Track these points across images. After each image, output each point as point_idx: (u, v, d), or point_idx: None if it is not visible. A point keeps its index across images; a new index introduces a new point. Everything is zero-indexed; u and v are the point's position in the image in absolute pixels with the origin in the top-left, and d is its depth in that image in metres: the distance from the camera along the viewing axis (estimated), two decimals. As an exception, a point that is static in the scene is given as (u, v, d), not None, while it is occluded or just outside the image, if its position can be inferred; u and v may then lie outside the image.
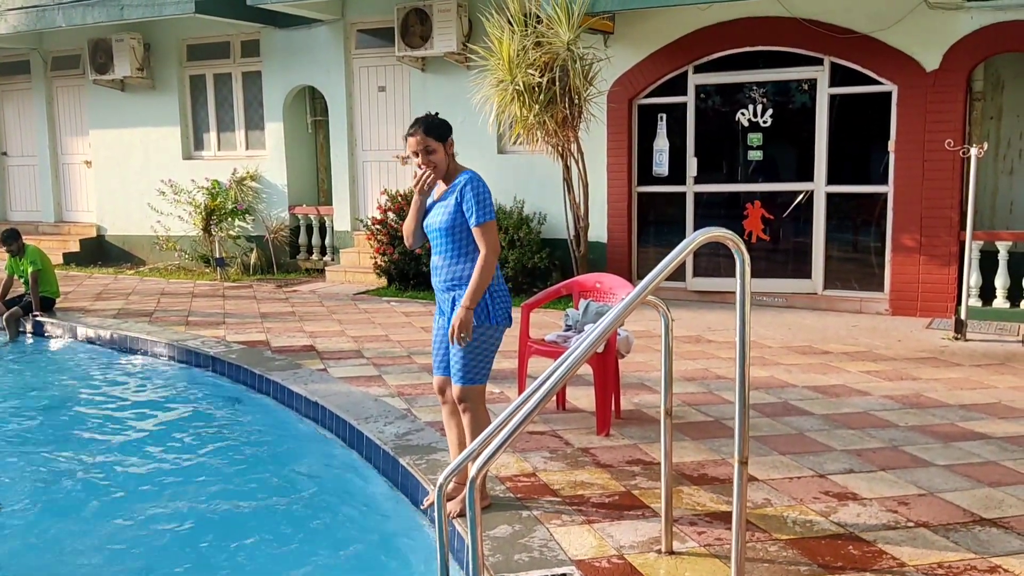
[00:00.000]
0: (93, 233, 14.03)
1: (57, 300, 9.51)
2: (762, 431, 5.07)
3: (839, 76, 8.93)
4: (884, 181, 8.85)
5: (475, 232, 3.80)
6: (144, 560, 4.13)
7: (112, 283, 11.71)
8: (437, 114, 3.95)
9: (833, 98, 9.00)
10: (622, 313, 2.76)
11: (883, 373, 6.47)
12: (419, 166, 3.88)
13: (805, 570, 3.35)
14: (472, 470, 2.70)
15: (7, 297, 9.31)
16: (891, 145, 8.75)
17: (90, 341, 8.55)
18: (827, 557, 3.45)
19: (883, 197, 8.88)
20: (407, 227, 4.08)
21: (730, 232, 2.68)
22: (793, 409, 5.54)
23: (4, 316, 8.99)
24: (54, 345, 8.79)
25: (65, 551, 4.26)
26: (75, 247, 13.74)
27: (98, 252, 13.88)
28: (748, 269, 2.68)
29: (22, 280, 9.23)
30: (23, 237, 9.40)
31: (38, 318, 9.09)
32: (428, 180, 3.87)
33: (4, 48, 14.16)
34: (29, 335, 9.11)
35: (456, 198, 3.84)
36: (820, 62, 8.98)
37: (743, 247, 2.68)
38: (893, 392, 5.93)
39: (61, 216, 14.67)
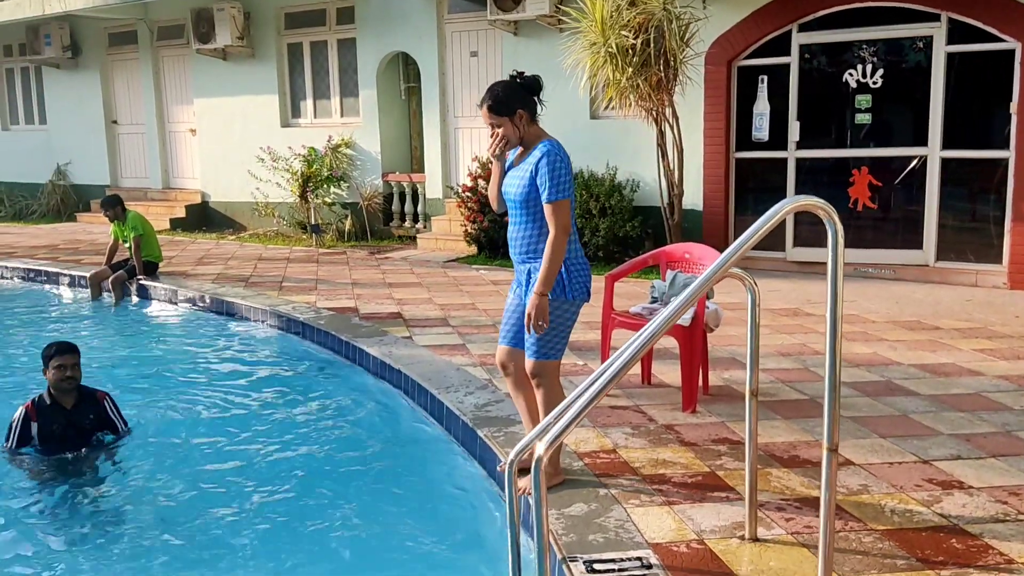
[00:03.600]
0: (198, 199, 14.46)
1: (160, 264, 9.81)
2: (862, 412, 4.78)
3: (957, 33, 8.32)
4: (1005, 146, 8.23)
5: (545, 209, 3.63)
6: (231, 507, 4.22)
7: (214, 248, 12.03)
8: (520, 75, 3.78)
9: (950, 57, 8.40)
10: (703, 285, 2.56)
11: (998, 352, 6.03)
12: (491, 134, 3.75)
13: (902, 563, 3.10)
14: (539, 449, 2.57)
15: (113, 262, 9.66)
16: (1013, 107, 8.11)
17: (189, 304, 8.79)
18: (927, 551, 3.19)
19: (1004, 163, 8.26)
20: (491, 191, 3.96)
21: (821, 200, 2.45)
22: (897, 389, 5.20)
23: (110, 280, 9.33)
24: (156, 308, 9.08)
25: (166, 496, 4.38)
26: (181, 213, 14.19)
27: (202, 218, 14.30)
28: (841, 240, 2.45)
29: (127, 245, 9.55)
30: (131, 203, 9.70)
31: (142, 282, 9.40)
32: (500, 144, 3.73)
33: (112, 19, 14.64)
34: (134, 298, 9.42)
35: (531, 170, 3.67)
36: (936, 18, 8.38)
37: (835, 216, 2.45)
38: (1009, 372, 5.51)
39: (168, 183, 15.16)
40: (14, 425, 4.83)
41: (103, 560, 3.85)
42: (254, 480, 4.65)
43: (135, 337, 8.03)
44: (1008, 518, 3.44)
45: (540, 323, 3.63)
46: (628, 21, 8.29)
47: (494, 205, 3.99)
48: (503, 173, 3.88)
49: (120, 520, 4.27)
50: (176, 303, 8.97)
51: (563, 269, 3.70)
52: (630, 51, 8.30)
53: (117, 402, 5.14)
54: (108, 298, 9.38)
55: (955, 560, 3.12)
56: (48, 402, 4.89)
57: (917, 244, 8.81)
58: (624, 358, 2.48)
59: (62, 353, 4.86)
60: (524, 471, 3.81)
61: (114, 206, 9.46)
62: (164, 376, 6.57)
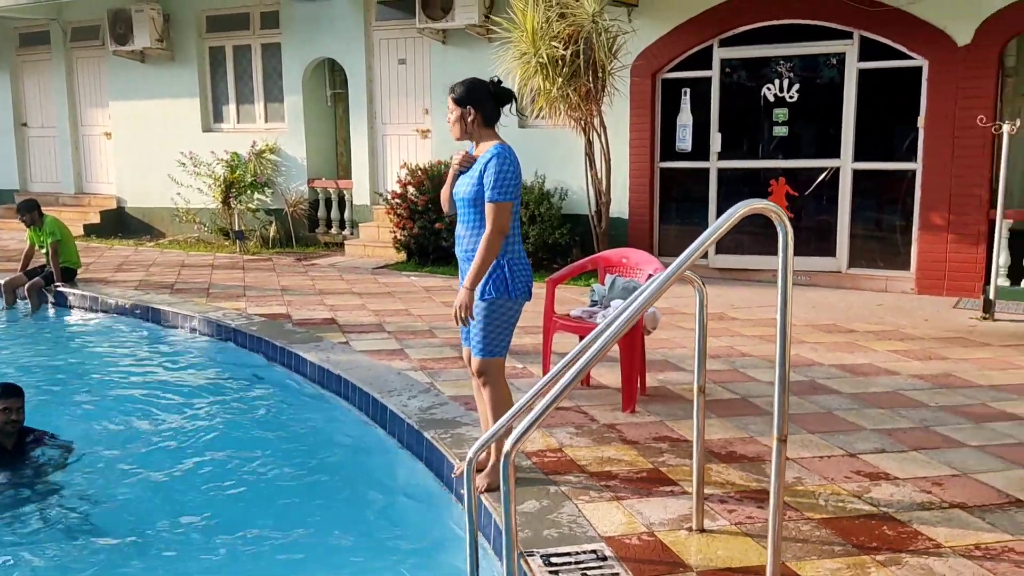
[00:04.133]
0: (113, 205, 14.05)
1: (78, 271, 9.52)
2: (790, 409, 4.98)
3: (868, 50, 8.77)
4: (912, 158, 8.70)
5: (487, 207, 3.74)
6: (159, 522, 4.15)
7: (132, 255, 11.73)
8: (498, 83, 3.89)
9: (862, 73, 8.84)
10: (659, 288, 2.69)
11: (911, 352, 6.39)
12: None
13: (839, 550, 3.30)
14: (506, 446, 2.65)
15: (28, 268, 9.33)
16: (920, 121, 8.59)
17: (111, 312, 8.56)
18: (861, 537, 3.39)
19: (911, 174, 8.74)
20: (443, 194, 4.08)
21: (773, 204, 2.61)
22: (821, 388, 5.47)
23: (26, 286, 9.02)
24: (76, 315, 8.81)
25: (86, 512, 4.28)
26: (95, 219, 13.77)
27: (118, 224, 13.91)
28: (791, 242, 2.61)
29: (43, 251, 9.24)
30: (43, 209, 9.40)
31: (60, 289, 9.11)
32: (460, 163, 3.89)
33: (24, 19, 14.14)
34: (51, 305, 9.13)
35: (480, 170, 3.78)
36: (849, 36, 8.81)
37: (786, 220, 2.61)
38: (922, 372, 5.85)
39: (81, 188, 14.69)
40: None
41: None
42: (192, 490, 4.59)
43: (55, 345, 7.78)
44: (933, 506, 3.68)
45: (464, 315, 3.74)
46: (558, 32, 8.46)
47: (444, 206, 4.09)
48: (454, 177, 3.97)
49: (51, 533, 4.17)
50: (97, 310, 8.72)
51: (506, 269, 3.81)
52: (560, 62, 8.47)
53: (46, 423, 5.03)
54: (24, 306, 9.06)
55: (888, 546, 3.33)
56: None
57: (831, 252, 9.22)
58: (587, 357, 2.58)
59: (6, 396, 4.69)
60: (477, 471, 3.91)
61: (30, 211, 9.15)
62: (89, 385, 6.41)
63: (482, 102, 3.84)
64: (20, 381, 5.82)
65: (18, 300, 9.13)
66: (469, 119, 3.85)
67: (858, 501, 3.74)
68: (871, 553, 3.27)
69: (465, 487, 3.19)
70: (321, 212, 12.47)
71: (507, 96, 3.92)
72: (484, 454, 3.91)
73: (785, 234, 2.59)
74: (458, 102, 3.85)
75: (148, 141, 13.45)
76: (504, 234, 3.75)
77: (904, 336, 6.93)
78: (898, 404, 5.13)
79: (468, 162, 3.89)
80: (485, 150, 3.83)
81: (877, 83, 8.83)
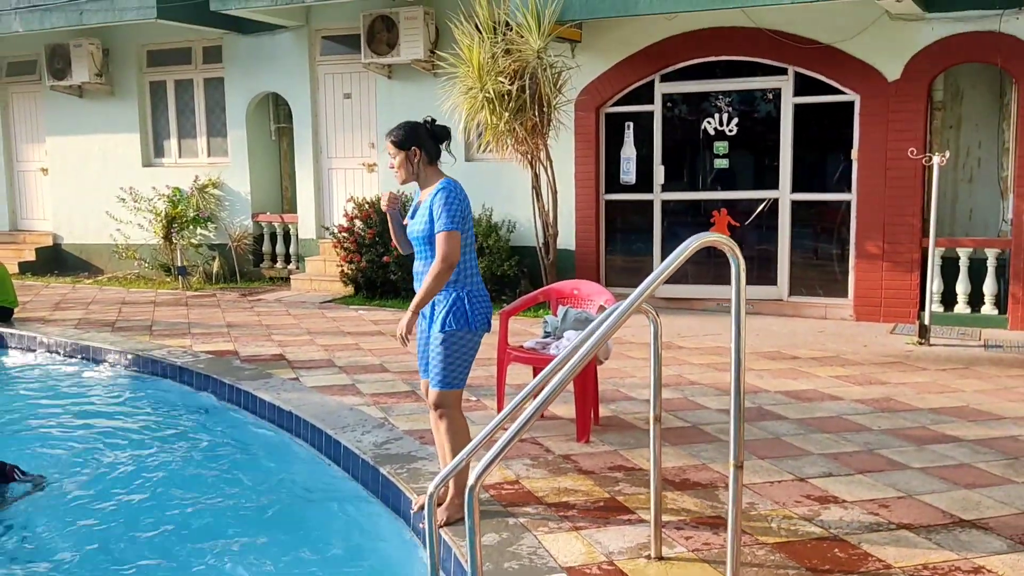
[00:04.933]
0: (49, 242, 13.73)
1: (15, 310, 9.27)
2: (740, 436, 5.11)
3: (803, 86, 9.08)
4: (847, 189, 9.01)
5: (436, 238, 3.80)
6: (111, 563, 4.04)
7: (70, 292, 11.46)
8: (432, 122, 3.97)
9: (797, 107, 9.15)
10: (619, 320, 2.76)
11: (852, 378, 6.57)
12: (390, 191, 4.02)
13: (794, 573, 3.37)
14: (471, 479, 2.67)
15: (-38, 307, 9.06)
16: (854, 153, 8.91)
17: (51, 351, 8.35)
18: (814, 560, 3.48)
19: (847, 204, 9.03)
20: (394, 238, 4.20)
21: (725, 237, 2.70)
22: (768, 414, 5.59)
23: (-40, 327, 8.75)
24: (13, 356, 8.56)
25: (32, 560, 4.15)
26: (31, 256, 13.43)
27: (55, 261, 13.58)
28: (743, 274, 2.70)
29: (-22, 290, 8.98)
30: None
31: (-5, 329, 8.85)
32: (388, 201, 4.08)
33: (-44, 52, 13.82)
34: (-14, 346, 8.86)
35: (429, 206, 3.85)
36: (784, 72, 9.12)
37: (739, 252, 2.70)
38: (864, 396, 6.02)
39: (16, 224, 14.33)
40: None
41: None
42: (140, 536, 4.47)
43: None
44: (881, 528, 3.79)
45: (404, 335, 3.83)
46: (504, 68, 8.60)
47: (399, 248, 4.20)
48: (396, 222, 4.12)
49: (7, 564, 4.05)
50: (35, 350, 8.49)
51: (466, 301, 3.87)
52: (506, 96, 8.60)
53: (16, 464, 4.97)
54: (-43, 347, 8.78)
55: (840, 568, 3.42)
56: None
57: (772, 280, 9.46)
58: (551, 386, 2.63)
59: None
60: (438, 504, 3.90)
61: (-36, 249, 8.90)
62: (29, 427, 6.22)
63: (422, 141, 3.93)
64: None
65: (-49, 341, 8.84)
66: (415, 160, 3.92)
67: (809, 524, 3.83)
68: (824, 575, 3.35)
69: (426, 521, 3.20)
70: (266, 246, 12.36)
71: (444, 133, 4.03)
72: (444, 488, 3.91)
73: (738, 266, 2.68)
74: (400, 146, 3.92)
75: (86, 176, 13.21)
76: (453, 264, 3.80)
77: (845, 362, 7.13)
78: (843, 428, 5.27)
79: (395, 201, 4.07)
80: (432, 188, 3.89)
81: (812, 117, 9.14)
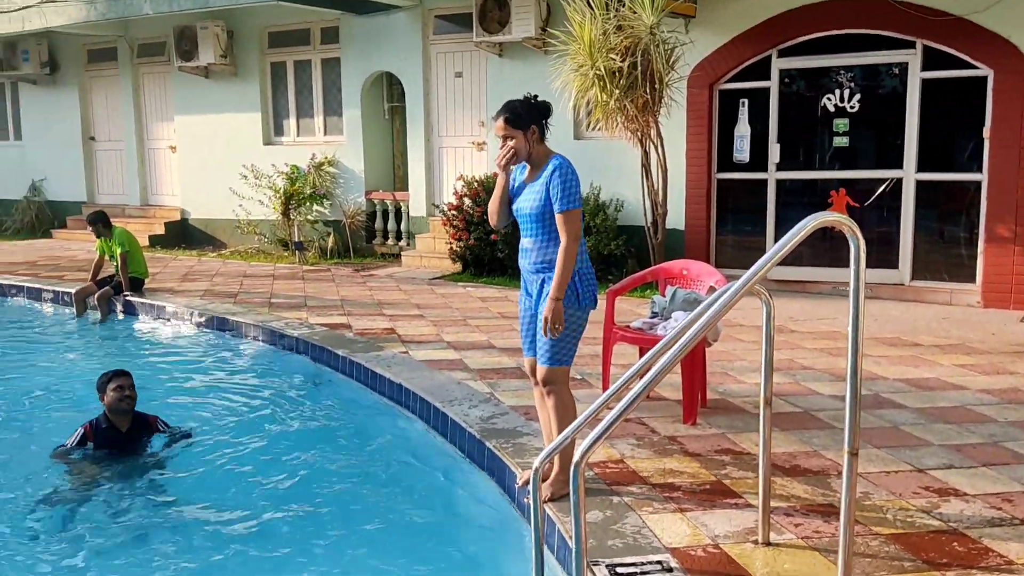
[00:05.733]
0: (177, 216, 14.42)
1: (146, 281, 9.79)
2: (854, 423, 4.95)
3: (931, 60, 8.63)
4: (978, 169, 8.54)
5: (558, 219, 3.80)
6: (229, 532, 4.26)
7: (196, 265, 12.02)
8: (535, 98, 3.95)
9: (925, 82, 8.70)
10: (730, 301, 2.71)
11: (978, 367, 6.26)
12: (502, 146, 3.91)
13: (909, 565, 3.26)
14: (576, 455, 2.69)
15: (98, 278, 9.63)
16: (986, 131, 8.43)
17: (178, 320, 8.80)
18: (931, 553, 3.35)
19: (976, 185, 8.57)
20: (492, 206, 4.09)
21: (846, 217, 2.61)
22: (886, 402, 5.39)
23: (96, 296, 9.31)
24: (143, 324, 9.06)
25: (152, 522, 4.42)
26: (160, 230, 14.15)
27: (182, 235, 14.27)
28: (863, 255, 2.60)
29: (112, 261, 9.53)
30: (111, 219, 9.69)
31: (128, 298, 9.38)
32: (507, 156, 3.90)
33: (92, 35, 14.61)
34: (120, 314, 9.40)
35: (545, 184, 3.84)
36: (912, 45, 8.69)
37: (858, 232, 2.61)
38: (990, 386, 5.73)
39: (147, 200, 15.11)
40: (71, 443, 5.04)
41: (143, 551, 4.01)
42: (260, 496, 4.70)
43: (124, 353, 8.01)
44: (1004, 522, 3.62)
45: (556, 326, 3.76)
46: (615, 45, 8.50)
47: (493, 219, 4.12)
48: (506, 188, 4.02)
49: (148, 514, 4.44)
50: (164, 319, 8.97)
51: (575, 278, 3.86)
52: (617, 74, 8.50)
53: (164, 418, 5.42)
54: (93, 314, 9.35)
55: (958, 562, 3.28)
56: (104, 424, 5.08)
57: (893, 264, 9.07)
58: (659, 366, 2.61)
59: (119, 375, 5.11)
60: (543, 480, 3.93)
61: (99, 222, 9.44)
62: (158, 392, 6.58)
63: (537, 119, 3.91)
64: (86, 387, 6.07)
65: (88, 309, 9.42)
66: (534, 138, 3.90)
67: (927, 517, 3.69)
68: (941, 569, 3.23)
69: (531, 496, 3.23)
70: (378, 223, 12.65)
71: (548, 108, 3.98)
72: (548, 464, 3.94)
73: (857, 247, 2.59)
74: (518, 125, 3.88)
75: (211, 154, 13.80)
76: (579, 241, 3.81)
77: (970, 350, 6.79)
78: (966, 419, 5.04)
79: (512, 157, 3.90)
80: (542, 165, 3.89)
81: (941, 93, 8.69)
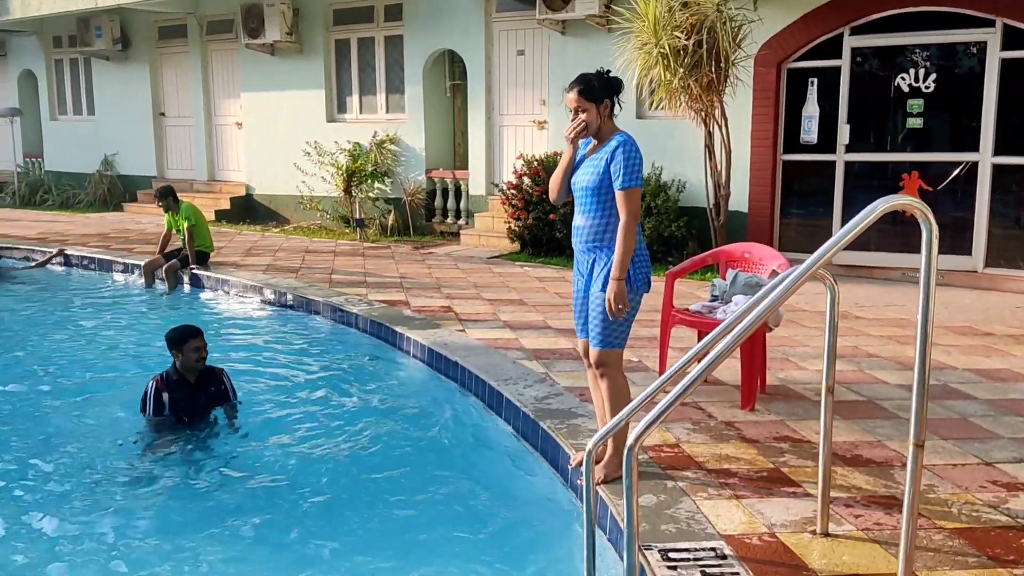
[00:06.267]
0: (242, 192, 14.68)
1: (211, 254, 9.99)
2: (920, 414, 4.80)
3: (1012, 39, 8.28)
4: (1059, 153, 8.19)
5: (618, 196, 3.74)
6: (284, 497, 4.33)
7: (260, 240, 12.22)
8: (608, 72, 3.89)
9: (1004, 62, 8.36)
10: (792, 285, 2.63)
11: (1053, 359, 6.03)
12: (573, 118, 3.85)
13: (973, 561, 3.15)
14: (630, 438, 2.65)
15: (166, 251, 9.86)
16: (1069, 113, 8.08)
17: (242, 294, 8.96)
18: (997, 549, 3.24)
19: (1057, 170, 8.23)
20: (554, 178, 4.04)
21: (918, 200, 2.51)
22: (954, 392, 5.22)
23: (164, 268, 9.53)
24: (208, 296, 9.26)
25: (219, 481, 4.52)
26: (226, 205, 14.42)
27: (247, 210, 14.52)
28: (936, 241, 2.50)
29: (179, 235, 9.74)
30: (177, 194, 9.90)
31: (194, 270, 9.58)
32: (578, 129, 3.84)
33: (163, 12, 14.90)
34: (186, 286, 9.61)
35: (606, 159, 3.79)
36: (991, 23, 8.34)
37: (931, 216, 2.50)
38: (1066, 379, 5.51)
39: (213, 175, 15.40)
40: (148, 396, 5.27)
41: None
42: (320, 464, 4.78)
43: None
44: (1077, 521, 3.48)
45: (620, 307, 3.72)
46: (680, 23, 8.34)
47: (552, 194, 4.07)
48: (572, 162, 3.96)
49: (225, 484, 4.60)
50: (228, 292, 9.14)
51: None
52: (682, 52, 8.35)
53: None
54: (161, 286, 9.58)
55: (1027, 559, 3.17)
56: (176, 377, 5.32)
57: (966, 250, 8.78)
58: (718, 349, 2.55)
59: (196, 335, 5.35)
60: (596, 462, 3.90)
61: (167, 196, 9.66)
62: (221, 361, 6.71)
63: (610, 93, 3.85)
64: (156, 355, 6.24)
65: (156, 281, 9.65)
66: (605, 113, 3.85)
67: (994, 512, 3.56)
68: (1008, 566, 3.11)
69: (584, 478, 3.20)
70: (438, 202, 12.69)
71: (620, 85, 3.92)
72: (602, 446, 3.91)
73: (930, 231, 2.49)
74: (593, 98, 3.82)
75: (276, 131, 13.98)
76: (638, 219, 3.75)
77: (1046, 341, 6.55)
78: (1039, 413, 4.86)
79: (583, 130, 3.84)
80: (607, 140, 3.83)
81: (1021, 73, 8.33)
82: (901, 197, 2.52)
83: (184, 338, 5.31)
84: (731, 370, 5.30)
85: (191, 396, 5.32)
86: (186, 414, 5.28)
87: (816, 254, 2.59)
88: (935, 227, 2.51)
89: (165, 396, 5.25)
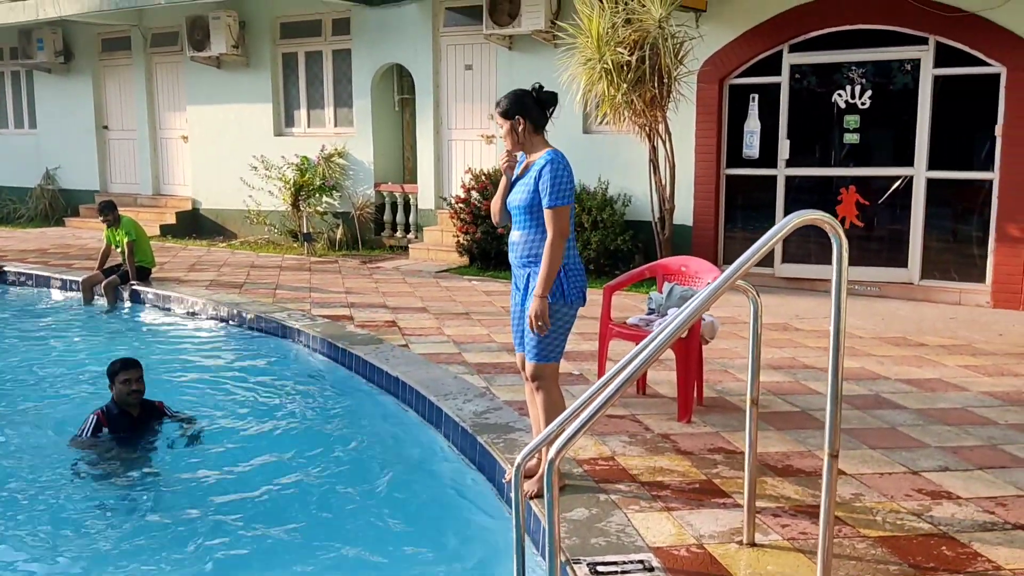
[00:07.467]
0: (188, 206, 14.47)
1: (153, 270, 9.83)
2: (852, 424, 4.89)
3: (944, 56, 8.52)
4: (990, 167, 8.42)
5: (545, 214, 3.78)
6: (221, 519, 4.26)
7: (205, 255, 12.06)
8: (539, 89, 3.92)
9: (937, 79, 8.60)
10: (710, 297, 2.67)
11: (982, 368, 6.18)
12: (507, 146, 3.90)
13: (895, 569, 3.21)
14: (551, 452, 2.66)
15: (105, 266, 9.67)
16: (998, 130, 8.31)
17: (182, 310, 8.82)
18: (918, 557, 3.30)
19: (988, 184, 8.45)
20: (494, 205, 4.09)
21: (827, 215, 2.56)
22: (885, 402, 5.33)
23: (103, 284, 9.35)
24: (149, 313, 9.09)
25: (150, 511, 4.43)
26: (171, 219, 14.20)
27: (193, 225, 14.32)
28: (846, 254, 2.55)
29: (119, 250, 9.56)
30: (121, 209, 9.73)
31: (135, 286, 9.41)
32: (505, 158, 3.93)
33: (106, 24, 14.67)
34: (126, 303, 9.43)
35: (536, 177, 3.81)
36: (924, 41, 8.58)
37: (841, 231, 2.56)
38: (993, 388, 5.65)
39: (158, 189, 15.16)
40: (86, 428, 5.11)
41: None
42: (255, 479, 4.71)
43: (128, 342, 8.03)
44: (995, 527, 3.56)
45: (541, 324, 3.73)
46: (624, 38, 8.43)
47: (495, 218, 4.12)
48: (507, 187, 4.00)
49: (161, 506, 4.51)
50: (169, 308, 8.99)
51: (562, 273, 3.82)
52: (625, 68, 8.44)
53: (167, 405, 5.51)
54: (100, 303, 9.39)
55: (946, 566, 3.23)
56: (116, 411, 5.18)
57: (902, 262, 8.98)
58: (635, 365, 2.57)
59: (127, 368, 5.18)
60: (527, 476, 3.91)
61: (112, 210, 9.49)
62: (162, 379, 6.59)
63: (528, 110, 3.88)
64: (92, 375, 6.10)
65: (95, 297, 9.46)
66: (520, 129, 3.88)
67: (917, 520, 3.63)
68: (927, 573, 3.18)
69: (513, 492, 3.20)
70: (387, 215, 12.64)
71: (551, 100, 3.95)
72: (534, 460, 3.92)
73: (839, 245, 2.54)
74: (506, 115, 3.90)
75: (222, 144, 13.83)
76: (566, 238, 3.78)
77: (976, 351, 6.71)
78: (966, 421, 4.97)
79: (514, 161, 3.94)
80: (537, 157, 3.86)
81: (953, 90, 8.58)
82: (812, 212, 2.58)
83: (115, 370, 5.18)
84: (669, 383, 5.35)
85: (132, 431, 5.17)
86: (125, 449, 5.13)
87: (732, 267, 2.63)
88: (844, 240, 2.56)
89: (105, 431, 5.10)
